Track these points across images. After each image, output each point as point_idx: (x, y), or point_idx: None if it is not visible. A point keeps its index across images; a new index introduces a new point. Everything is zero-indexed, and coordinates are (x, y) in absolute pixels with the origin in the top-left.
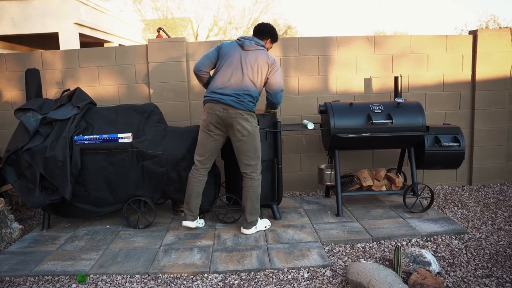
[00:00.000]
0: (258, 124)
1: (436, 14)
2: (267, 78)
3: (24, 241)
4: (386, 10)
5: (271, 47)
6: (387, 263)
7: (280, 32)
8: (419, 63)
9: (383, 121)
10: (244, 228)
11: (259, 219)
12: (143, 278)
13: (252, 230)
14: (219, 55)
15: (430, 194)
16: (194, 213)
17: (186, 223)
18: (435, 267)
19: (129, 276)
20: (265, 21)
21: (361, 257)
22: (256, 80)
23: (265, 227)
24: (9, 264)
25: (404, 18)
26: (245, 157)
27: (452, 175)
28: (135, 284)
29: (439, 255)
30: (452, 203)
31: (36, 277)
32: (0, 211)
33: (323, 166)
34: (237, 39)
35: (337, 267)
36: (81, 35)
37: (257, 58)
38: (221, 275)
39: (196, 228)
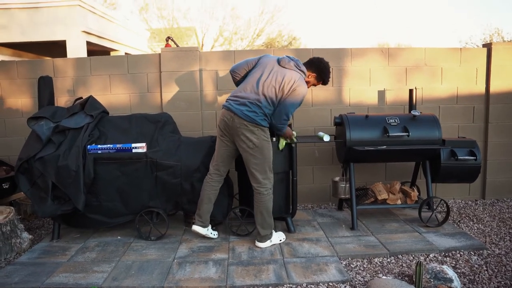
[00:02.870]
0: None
1: (437, 26)
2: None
3: (34, 252)
4: (388, 22)
5: (314, 83)
6: (406, 278)
7: (284, 43)
8: (432, 75)
9: (400, 134)
10: (258, 241)
11: (274, 232)
12: None
13: (267, 244)
14: (257, 63)
15: (445, 208)
16: (202, 219)
17: (194, 227)
18: (457, 284)
19: None
20: (320, 57)
21: (379, 272)
22: (273, 97)
23: (280, 240)
24: (20, 275)
25: (406, 30)
26: (252, 170)
27: (465, 188)
28: None
29: (459, 271)
30: (467, 218)
31: None
32: (11, 220)
33: (337, 178)
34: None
35: (356, 282)
36: (88, 43)
37: (285, 75)
38: None
39: (209, 238)
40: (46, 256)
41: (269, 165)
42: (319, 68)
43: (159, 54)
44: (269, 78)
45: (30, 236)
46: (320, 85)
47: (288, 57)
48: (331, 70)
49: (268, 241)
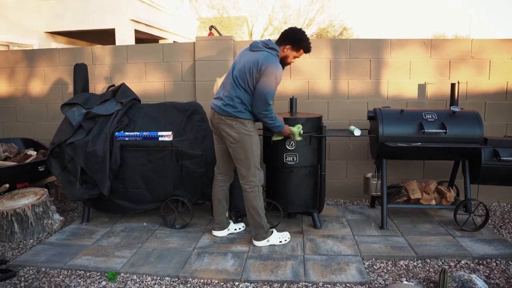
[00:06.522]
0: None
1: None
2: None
3: (63, 233)
4: (445, 13)
5: (295, 56)
6: (431, 285)
7: (335, 33)
8: (479, 69)
9: (436, 130)
10: (253, 238)
11: (275, 231)
12: (173, 281)
13: (263, 243)
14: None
15: (484, 212)
16: (216, 221)
17: (213, 233)
18: None
19: (159, 278)
20: (297, 26)
21: (403, 276)
22: (244, 83)
23: (280, 242)
24: (47, 255)
25: (463, 22)
26: (238, 166)
27: None
28: (163, 286)
29: (493, 281)
30: (511, 223)
31: (69, 271)
32: (43, 201)
33: (369, 175)
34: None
35: (376, 285)
36: (136, 31)
37: (251, 57)
38: (252, 284)
39: (232, 233)
40: (74, 238)
41: (254, 161)
42: (291, 38)
43: (194, 43)
44: (238, 65)
45: (61, 218)
46: (303, 54)
47: (261, 40)
48: (369, 61)
49: (265, 240)
